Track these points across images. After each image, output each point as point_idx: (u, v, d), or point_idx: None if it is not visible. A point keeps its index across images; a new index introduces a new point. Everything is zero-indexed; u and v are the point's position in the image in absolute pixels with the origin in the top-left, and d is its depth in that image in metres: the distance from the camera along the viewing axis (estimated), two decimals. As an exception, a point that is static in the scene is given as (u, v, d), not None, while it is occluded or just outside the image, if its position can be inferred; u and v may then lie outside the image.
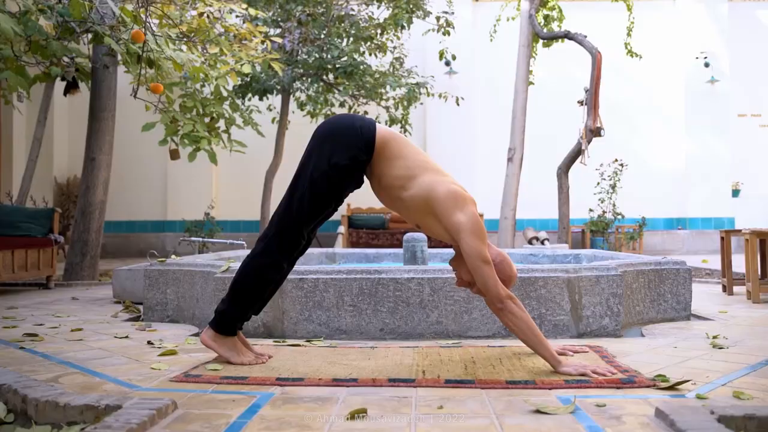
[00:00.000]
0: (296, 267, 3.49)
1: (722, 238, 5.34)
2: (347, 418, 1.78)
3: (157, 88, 4.32)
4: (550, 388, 2.09)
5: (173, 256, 4.21)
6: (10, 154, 9.82)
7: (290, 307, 3.31)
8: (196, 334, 3.32)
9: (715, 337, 3.05)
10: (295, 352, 2.75)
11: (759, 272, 5.23)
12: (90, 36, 5.44)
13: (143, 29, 3.94)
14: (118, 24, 5.19)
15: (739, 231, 5.07)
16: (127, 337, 3.14)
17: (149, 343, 2.95)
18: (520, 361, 2.50)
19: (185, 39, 6.04)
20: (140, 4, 3.94)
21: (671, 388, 2.09)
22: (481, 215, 10.10)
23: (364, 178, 2.55)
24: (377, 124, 2.54)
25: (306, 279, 3.33)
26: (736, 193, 11.31)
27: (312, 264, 5.90)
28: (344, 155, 2.42)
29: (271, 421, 1.77)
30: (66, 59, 6.17)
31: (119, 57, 5.89)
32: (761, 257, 5.22)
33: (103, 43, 5.23)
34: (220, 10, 6.26)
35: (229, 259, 3.98)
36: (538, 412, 1.82)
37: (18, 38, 4.97)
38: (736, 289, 5.13)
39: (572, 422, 1.74)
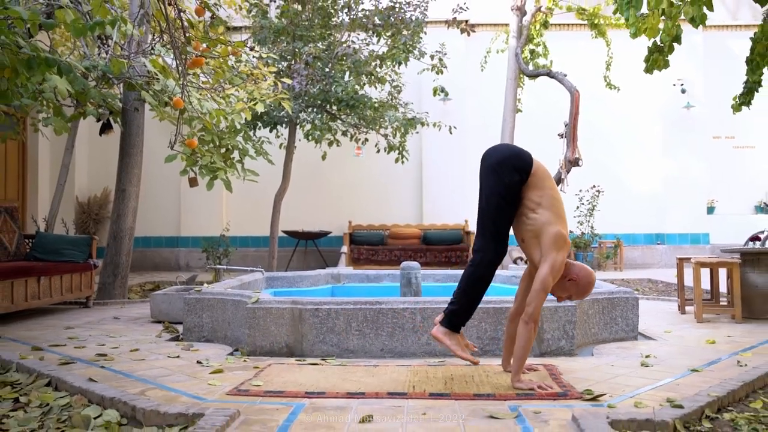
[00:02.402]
0: (312, 299, 4.29)
1: (677, 264, 6.13)
2: (359, 422, 2.57)
3: (192, 143, 5.10)
4: (504, 400, 2.88)
5: (206, 285, 4.99)
6: (36, 176, 10.59)
7: (308, 331, 4.09)
8: (232, 354, 4.10)
9: (647, 357, 3.84)
10: (315, 370, 3.53)
11: (710, 295, 6.05)
12: (123, 84, 6.22)
13: (182, 95, 4.71)
14: (152, 78, 5.98)
15: (689, 259, 5.86)
16: (178, 357, 3.92)
17: (198, 362, 3.73)
18: (487, 378, 3.29)
19: (206, 81, 6.81)
20: (180, 76, 4.70)
21: (593, 399, 2.88)
22: (473, 233, 10.91)
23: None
24: (532, 157, 3.36)
25: (321, 309, 4.12)
26: (711, 210, 12.13)
27: (320, 284, 6.70)
28: (516, 175, 3.23)
29: (307, 423, 2.55)
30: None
31: (147, 101, 6.66)
32: (711, 281, 6.03)
33: (136, 90, 6.01)
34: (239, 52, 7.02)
35: (255, 290, 4.76)
36: (491, 417, 2.61)
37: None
38: (688, 308, 5.92)
39: (513, 424, 2.53)
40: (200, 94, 6.38)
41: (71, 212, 11.36)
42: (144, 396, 2.89)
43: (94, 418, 2.60)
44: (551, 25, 10.79)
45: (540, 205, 3.23)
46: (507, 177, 3.23)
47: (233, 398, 2.92)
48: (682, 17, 4.16)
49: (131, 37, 6.35)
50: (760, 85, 4.67)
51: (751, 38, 4.48)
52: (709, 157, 12.06)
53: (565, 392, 2.97)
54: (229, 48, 5.26)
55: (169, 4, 4.35)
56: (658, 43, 4.36)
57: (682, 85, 11.78)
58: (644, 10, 4.25)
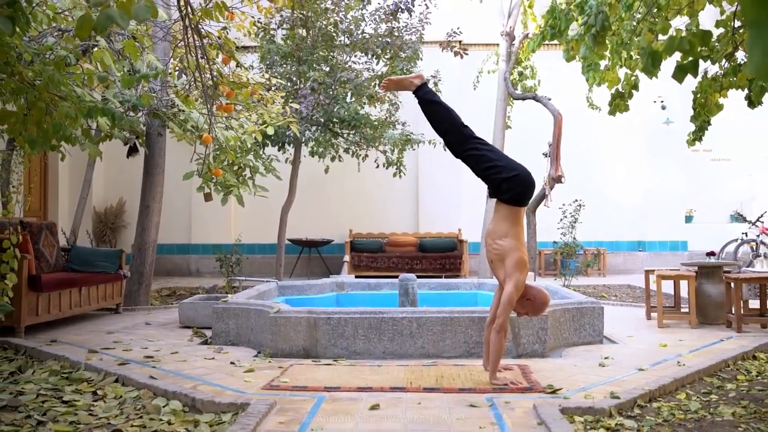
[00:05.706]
0: (325, 309, 5.04)
1: (645, 276, 6.90)
2: (369, 409, 3.32)
3: (218, 173, 5.86)
4: (483, 393, 3.63)
5: (230, 296, 5.73)
6: (56, 189, 11.31)
7: (322, 336, 4.84)
8: (256, 356, 4.84)
9: (606, 358, 4.59)
10: (329, 370, 4.28)
11: (673, 302, 6.81)
12: (149, 113, 6.96)
13: (209, 132, 5.45)
14: (178, 111, 6.72)
15: (653, 271, 6.63)
16: (213, 358, 4.66)
17: (232, 363, 4.48)
18: (471, 376, 4.04)
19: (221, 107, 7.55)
20: (209, 113, 5.43)
21: (553, 392, 3.63)
22: (466, 241, 11.68)
23: (497, 205, 4.12)
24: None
25: (332, 317, 4.87)
26: (689, 219, 12.93)
27: (326, 291, 7.45)
28: (511, 192, 3.96)
29: (329, 411, 3.30)
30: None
31: (173, 131, 7.36)
32: (674, 291, 6.79)
33: (161, 119, 6.74)
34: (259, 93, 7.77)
35: (274, 302, 5.50)
36: (471, 406, 3.37)
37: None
38: (653, 314, 6.68)
39: (488, 411, 3.29)
40: (218, 118, 7.12)
41: (89, 222, 12.07)
42: (198, 390, 3.64)
43: (163, 407, 3.34)
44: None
45: (507, 235, 3.97)
46: (507, 184, 3.95)
47: (268, 392, 3.67)
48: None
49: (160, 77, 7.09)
50: (709, 124, 5.43)
51: (693, 92, 5.24)
52: (688, 169, 12.84)
53: (531, 387, 3.72)
54: (249, 89, 6.00)
55: (202, 57, 5.08)
56: (620, 90, 5.12)
57: (662, 101, 12.54)
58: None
